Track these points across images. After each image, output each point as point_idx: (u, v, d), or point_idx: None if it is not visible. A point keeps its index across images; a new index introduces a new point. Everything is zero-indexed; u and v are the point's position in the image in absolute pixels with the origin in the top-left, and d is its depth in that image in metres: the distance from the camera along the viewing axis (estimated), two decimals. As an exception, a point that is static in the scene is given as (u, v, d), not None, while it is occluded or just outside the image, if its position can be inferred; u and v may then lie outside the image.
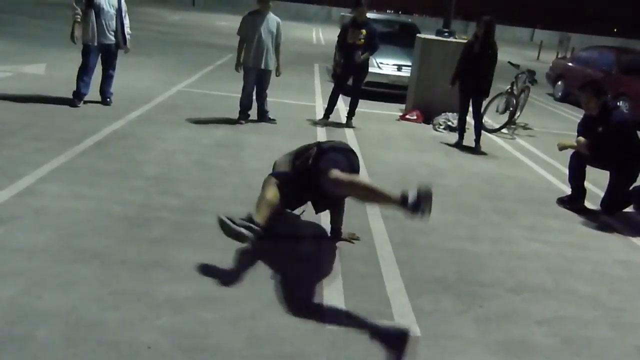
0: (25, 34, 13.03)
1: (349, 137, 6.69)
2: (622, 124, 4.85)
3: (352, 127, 7.27)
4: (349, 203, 3.71)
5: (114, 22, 6.59)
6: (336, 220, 3.75)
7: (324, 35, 25.38)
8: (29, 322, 2.52)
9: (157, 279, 3.02)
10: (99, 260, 3.14)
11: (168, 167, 4.85)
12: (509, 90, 8.13)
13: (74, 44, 6.52)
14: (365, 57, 7.14)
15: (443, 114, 7.99)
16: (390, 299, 3.11)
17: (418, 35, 9.08)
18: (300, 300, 2.99)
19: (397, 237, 3.93)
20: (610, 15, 61.26)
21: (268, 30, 6.57)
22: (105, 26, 6.49)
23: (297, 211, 3.87)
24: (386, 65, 9.79)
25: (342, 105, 8.00)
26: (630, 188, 4.98)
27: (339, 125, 7.32)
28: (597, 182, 5.48)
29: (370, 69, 7.81)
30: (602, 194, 5.11)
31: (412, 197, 2.76)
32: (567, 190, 5.26)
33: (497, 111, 8.42)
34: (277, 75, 6.91)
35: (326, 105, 7.43)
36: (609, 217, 4.89)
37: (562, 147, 5.13)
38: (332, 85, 7.81)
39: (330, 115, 7.40)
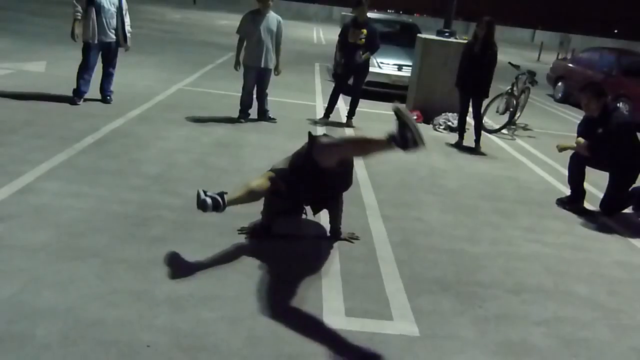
0: (26, 31, 13.02)
1: (349, 137, 6.69)
2: (622, 125, 4.85)
3: (352, 127, 7.27)
4: (348, 203, 3.71)
5: (114, 20, 6.59)
6: (334, 220, 3.75)
7: (324, 35, 25.37)
8: (27, 321, 2.52)
9: (156, 277, 3.02)
10: (98, 258, 3.14)
11: (168, 166, 4.85)
12: (509, 91, 8.14)
13: (75, 41, 6.52)
14: (366, 56, 7.14)
15: (443, 114, 8.00)
16: (390, 299, 3.11)
17: (419, 35, 9.08)
18: (299, 300, 2.99)
19: (396, 237, 3.93)
20: (611, 17, 61.25)
21: (268, 29, 6.57)
22: (105, 24, 6.49)
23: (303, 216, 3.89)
24: (387, 65, 9.79)
25: (343, 104, 8.00)
26: (630, 189, 4.98)
27: (339, 124, 7.32)
28: (596, 183, 5.48)
29: (371, 69, 7.81)
30: (601, 195, 5.11)
31: (397, 132, 2.71)
32: (567, 191, 5.27)
33: (497, 112, 8.42)
34: (276, 74, 6.91)
35: (326, 105, 7.44)
36: (608, 219, 4.89)
37: (561, 149, 5.13)
38: (333, 84, 7.81)
39: (331, 115, 7.41)
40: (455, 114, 7.42)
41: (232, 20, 21.49)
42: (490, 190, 5.33)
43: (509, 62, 8.96)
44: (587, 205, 5.10)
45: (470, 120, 7.01)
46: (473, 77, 6.68)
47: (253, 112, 6.97)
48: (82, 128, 5.62)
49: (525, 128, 8.52)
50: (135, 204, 3.95)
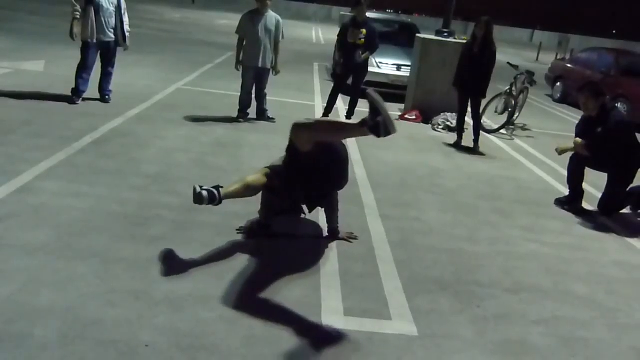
0: (25, 30, 13.00)
1: (348, 137, 6.69)
2: (620, 125, 4.86)
3: (352, 127, 7.26)
4: (346, 202, 3.72)
5: (113, 19, 6.58)
6: (331, 219, 3.75)
7: (323, 35, 25.37)
8: (26, 320, 2.52)
9: (155, 277, 3.02)
10: (97, 258, 3.14)
11: (167, 166, 4.85)
12: (508, 91, 8.14)
13: (73, 41, 6.51)
14: (365, 56, 7.15)
15: (442, 114, 8.00)
16: (388, 298, 3.11)
17: (418, 35, 9.08)
18: (298, 299, 2.99)
19: (395, 237, 3.94)
20: (609, 17, 61.32)
21: (267, 29, 6.56)
22: (104, 23, 6.49)
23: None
24: (386, 64, 9.80)
25: (342, 104, 8.00)
26: (628, 189, 4.99)
27: (338, 124, 7.31)
28: (594, 183, 5.48)
29: (370, 69, 7.82)
30: (599, 195, 5.12)
31: (368, 117, 2.85)
32: (565, 191, 5.27)
33: (496, 112, 8.43)
34: (274, 74, 6.91)
35: (325, 105, 7.44)
36: (606, 219, 4.90)
37: (561, 151, 5.11)
38: (332, 84, 7.81)
39: (330, 115, 7.40)
40: (454, 113, 7.43)
41: (231, 20, 21.49)
42: (489, 190, 5.34)
43: (508, 62, 8.98)
44: (586, 205, 5.11)
45: (469, 120, 7.02)
46: (472, 77, 6.69)
47: (252, 111, 6.96)
48: (81, 127, 5.62)
49: (523, 128, 8.53)
50: (134, 203, 3.95)
